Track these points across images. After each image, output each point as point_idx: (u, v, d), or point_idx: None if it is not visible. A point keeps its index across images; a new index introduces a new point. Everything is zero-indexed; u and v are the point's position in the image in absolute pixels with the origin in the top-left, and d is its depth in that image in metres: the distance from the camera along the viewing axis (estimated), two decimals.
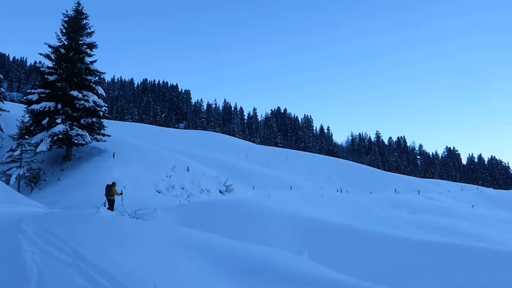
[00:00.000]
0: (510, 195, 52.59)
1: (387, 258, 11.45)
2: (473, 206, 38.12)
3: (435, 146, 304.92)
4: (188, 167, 31.48)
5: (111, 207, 18.15)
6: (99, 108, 29.90)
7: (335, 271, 7.85)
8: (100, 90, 30.98)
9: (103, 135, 30.47)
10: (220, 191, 30.44)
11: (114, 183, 19.07)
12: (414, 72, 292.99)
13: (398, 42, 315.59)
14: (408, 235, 14.26)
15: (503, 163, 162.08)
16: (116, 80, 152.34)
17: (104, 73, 31.68)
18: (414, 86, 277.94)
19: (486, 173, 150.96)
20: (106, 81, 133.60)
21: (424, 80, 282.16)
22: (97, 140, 30.17)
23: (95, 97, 29.85)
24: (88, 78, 30.44)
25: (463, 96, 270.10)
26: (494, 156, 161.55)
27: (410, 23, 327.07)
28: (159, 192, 26.20)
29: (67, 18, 29.97)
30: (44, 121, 27.92)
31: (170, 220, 16.03)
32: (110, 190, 18.55)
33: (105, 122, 31.65)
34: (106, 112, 31.25)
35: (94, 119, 29.66)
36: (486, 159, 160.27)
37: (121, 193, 19.38)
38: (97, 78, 31.40)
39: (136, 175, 26.67)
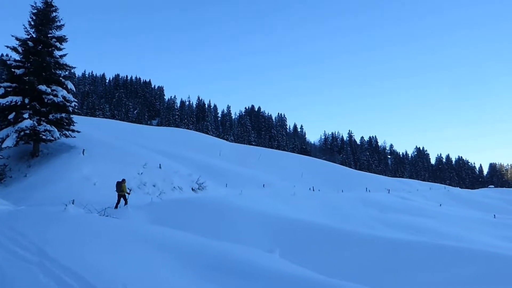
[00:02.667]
0: (476, 194, 54.32)
1: (357, 256, 11.65)
2: (440, 205, 39.16)
3: (405, 146, 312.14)
4: (160, 165, 31.14)
5: (119, 201, 19.33)
6: (68, 103, 29.17)
7: (306, 269, 7.93)
8: (70, 85, 30.24)
9: (73, 131, 29.76)
10: (192, 189, 30.24)
11: (124, 180, 20.14)
12: (385, 72, 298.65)
13: (370, 41, 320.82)
14: (378, 233, 14.54)
15: (469, 163, 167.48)
16: (87, 75, 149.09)
17: (74, 67, 30.91)
18: (386, 86, 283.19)
19: (454, 173, 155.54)
20: (77, 76, 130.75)
21: (394, 80, 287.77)
22: (66, 136, 29.44)
23: (64, 92, 29.10)
24: (57, 72, 29.62)
25: (433, 96, 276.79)
26: (461, 157, 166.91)
27: (381, 22, 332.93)
28: (130, 190, 25.82)
29: (35, 10, 29.07)
30: (11, 116, 27.05)
31: (141, 218, 15.83)
32: (120, 186, 19.67)
33: (75, 117, 30.92)
34: (76, 107, 30.52)
35: (63, 115, 28.91)
36: (453, 159, 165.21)
37: (129, 192, 20.54)
38: (67, 73, 30.61)
39: (106, 172, 26.18)
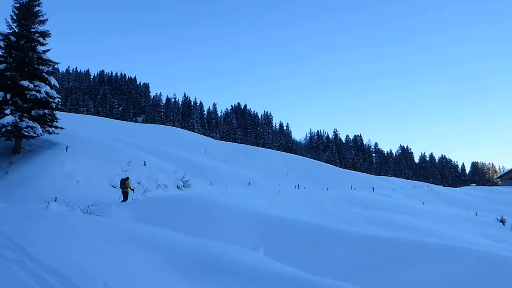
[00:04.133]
0: (458, 193, 55.14)
1: (341, 253, 11.74)
2: (423, 203, 39.66)
3: (389, 144, 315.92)
4: (145, 162, 30.94)
5: (125, 199, 20.41)
6: (51, 100, 28.75)
7: (290, 267, 7.97)
8: (53, 81, 29.81)
9: (56, 127, 29.34)
10: (177, 187, 30.13)
11: (128, 178, 21.58)
12: (370, 71, 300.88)
13: (355, 41, 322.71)
14: (362, 231, 14.67)
15: (452, 162, 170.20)
16: (71, 71, 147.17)
17: (58, 63, 30.50)
18: (371, 85, 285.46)
19: (437, 171, 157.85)
20: (60, 71, 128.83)
21: (379, 79, 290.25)
22: (49, 133, 29.02)
23: (47, 88, 28.67)
24: (40, 68, 29.18)
25: (417, 96, 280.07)
26: (444, 155, 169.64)
27: (365, 22, 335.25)
28: (114, 187, 25.62)
29: (18, 4, 28.57)
30: None
31: (124, 216, 15.71)
32: (124, 184, 20.96)
33: (59, 114, 30.50)
34: (60, 103, 30.11)
35: (46, 111, 28.48)
36: (437, 158, 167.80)
37: (134, 189, 21.73)
38: (50, 68, 30.18)
39: (90, 169, 25.93)
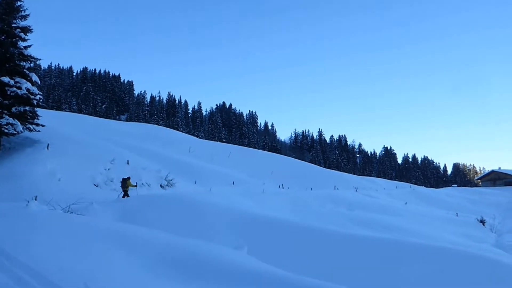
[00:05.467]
0: (440, 193, 56.02)
1: (325, 252, 11.80)
2: (406, 203, 40.15)
3: (373, 145, 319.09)
4: (128, 161, 30.63)
5: (126, 197, 21.15)
6: (32, 96, 28.24)
7: (274, 266, 7.95)
8: (35, 77, 29.30)
9: (37, 125, 28.84)
10: (161, 186, 29.91)
11: (129, 177, 22.36)
12: (355, 73, 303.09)
13: (340, 44, 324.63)
14: (345, 231, 14.76)
15: (434, 163, 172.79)
16: (53, 68, 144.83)
17: (40, 59, 30.00)
18: (356, 87, 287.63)
19: (419, 172, 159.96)
20: (42, 68, 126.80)
21: (364, 81, 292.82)
22: (30, 130, 28.50)
23: (28, 85, 28.16)
24: (22, 64, 28.65)
25: (401, 97, 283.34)
26: (427, 156, 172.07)
27: (349, 25, 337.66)
28: (97, 186, 25.31)
29: None
30: None
31: (107, 215, 15.53)
32: (125, 183, 21.77)
33: (40, 111, 29.99)
34: (41, 100, 29.62)
35: (27, 108, 27.97)
36: (419, 159, 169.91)
37: (136, 185, 22.85)
38: (31, 65, 29.66)
39: (72, 167, 25.55)
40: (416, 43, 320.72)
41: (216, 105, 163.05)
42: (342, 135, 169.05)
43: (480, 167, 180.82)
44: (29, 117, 28.43)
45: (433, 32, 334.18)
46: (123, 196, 21.22)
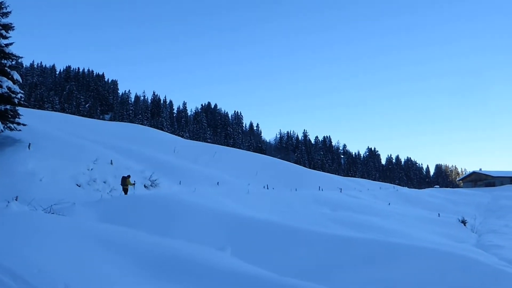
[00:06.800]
0: (422, 194, 56.70)
1: (309, 253, 11.84)
2: (389, 203, 40.55)
3: (357, 146, 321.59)
4: (111, 161, 30.34)
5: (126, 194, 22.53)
6: (14, 95, 27.78)
7: (258, 267, 7.97)
8: (16, 76, 28.84)
9: (18, 123, 28.38)
10: (145, 186, 29.70)
11: (129, 176, 24.04)
12: (340, 73, 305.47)
13: (323, 42, 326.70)
14: (329, 231, 14.84)
15: (417, 164, 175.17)
16: (35, 66, 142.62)
17: (21, 57, 29.50)
18: (341, 87, 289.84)
19: (402, 173, 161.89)
20: (24, 66, 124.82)
21: (348, 82, 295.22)
22: (11, 129, 28.03)
23: (9, 83, 27.69)
24: (3, 62, 28.15)
25: (385, 98, 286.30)
26: (410, 158, 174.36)
27: (333, 23, 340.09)
28: (79, 186, 25.02)
29: None
30: None
31: (89, 215, 15.35)
32: (124, 181, 23.33)
33: (21, 110, 29.53)
34: (23, 99, 29.14)
35: (8, 106, 27.50)
36: (403, 160, 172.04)
37: (134, 183, 24.55)
38: (13, 63, 29.17)
39: (54, 167, 25.20)
40: (399, 48, 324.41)
41: (202, 105, 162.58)
42: (327, 136, 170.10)
43: (462, 168, 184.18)
44: (10, 116, 27.96)
45: (415, 38, 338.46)
46: (125, 193, 22.60)
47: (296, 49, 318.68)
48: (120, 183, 24.66)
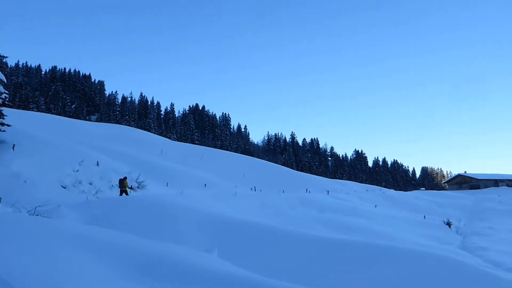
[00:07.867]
0: (408, 196, 57.29)
1: (296, 255, 11.86)
2: (376, 206, 40.87)
3: (345, 149, 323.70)
4: (98, 162, 30.04)
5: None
6: None
7: (245, 269, 7.94)
8: (0, 75, 28.42)
9: (2, 124, 27.96)
10: (131, 187, 29.44)
11: (125, 178, 24.55)
12: (327, 76, 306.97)
13: (310, 44, 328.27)
14: (316, 233, 14.90)
15: (403, 167, 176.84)
16: (20, 66, 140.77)
17: (6, 57, 29.21)
18: (329, 90, 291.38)
19: (389, 176, 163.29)
20: (9, 66, 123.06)
21: (336, 84, 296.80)
22: None
23: None
24: None
25: (373, 101, 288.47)
26: (396, 160, 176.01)
27: (320, 25, 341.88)
28: (65, 188, 24.71)
29: None
30: None
31: (75, 217, 15.17)
32: (122, 183, 23.92)
33: (6, 110, 29.11)
34: (7, 99, 28.76)
35: None
36: (389, 163, 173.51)
37: (132, 187, 25.49)
38: None
39: (38, 168, 24.86)
40: (387, 54, 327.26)
41: (189, 106, 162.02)
42: (314, 138, 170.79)
43: (447, 171, 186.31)
44: None
45: (397, 34, 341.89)
46: (124, 194, 23.09)
47: (284, 52, 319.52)
48: (118, 185, 25.28)
